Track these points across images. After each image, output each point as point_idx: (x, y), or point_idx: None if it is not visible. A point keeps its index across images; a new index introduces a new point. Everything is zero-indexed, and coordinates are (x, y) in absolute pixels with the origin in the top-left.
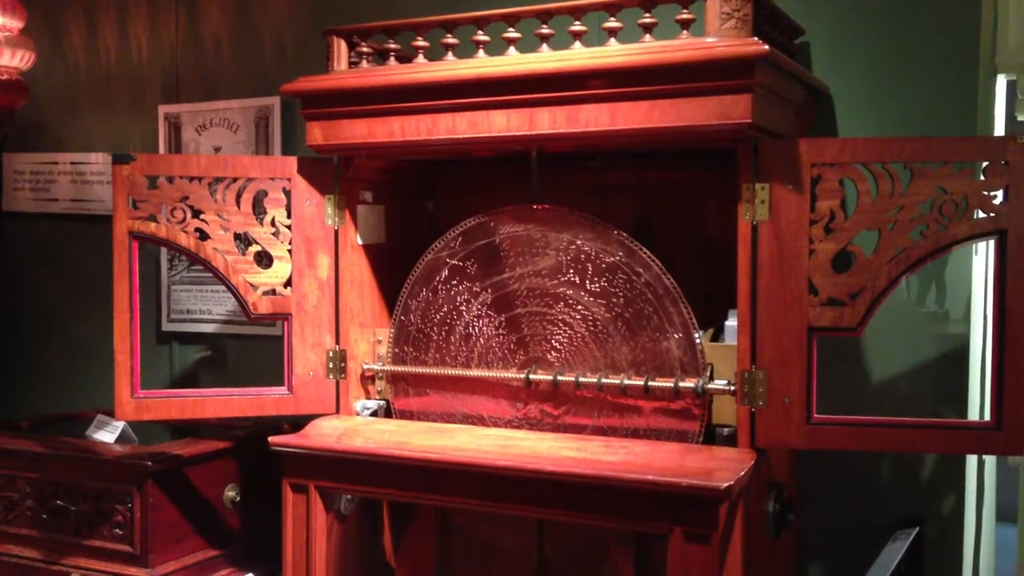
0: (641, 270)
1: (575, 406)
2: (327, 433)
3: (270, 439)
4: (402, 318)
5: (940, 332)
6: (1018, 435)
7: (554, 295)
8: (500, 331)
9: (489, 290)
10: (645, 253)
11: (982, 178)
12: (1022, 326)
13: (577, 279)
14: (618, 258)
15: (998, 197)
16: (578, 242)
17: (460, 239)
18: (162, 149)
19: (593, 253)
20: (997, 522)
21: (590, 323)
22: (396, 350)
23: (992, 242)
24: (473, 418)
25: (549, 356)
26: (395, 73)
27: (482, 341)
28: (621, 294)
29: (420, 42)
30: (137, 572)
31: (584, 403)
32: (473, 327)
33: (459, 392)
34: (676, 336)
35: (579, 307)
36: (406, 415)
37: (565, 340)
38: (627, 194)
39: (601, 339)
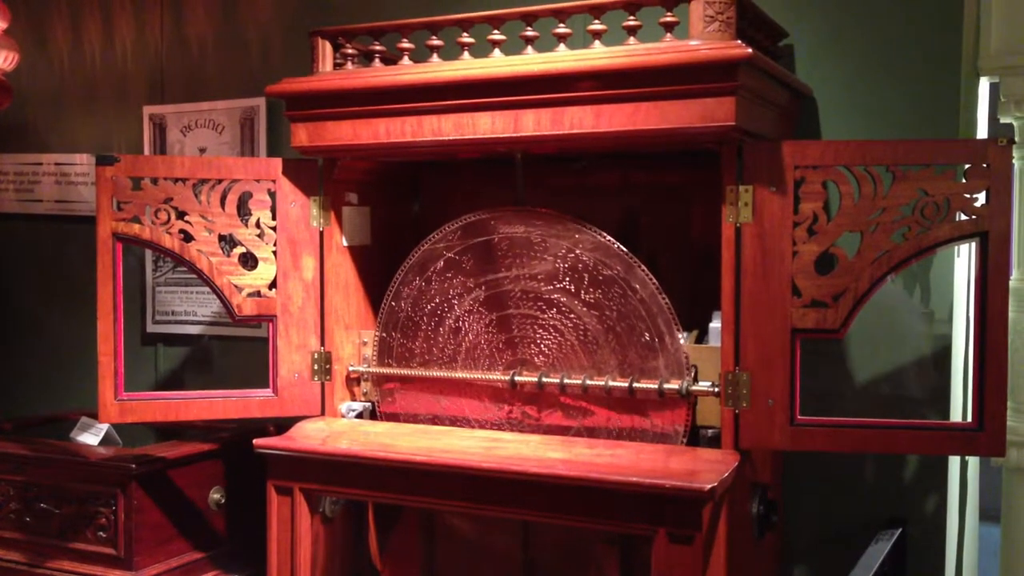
0: (638, 286)
1: (558, 410)
2: (312, 435)
3: (255, 441)
4: (392, 304)
5: (924, 333)
6: (999, 436)
7: (548, 300)
8: (490, 329)
9: (483, 287)
10: (643, 270)
11: (964, 180)
12: (1003, 328)
13: (572, 287)
14: (616, 272)
15: (980, 199)
16: (577, 251)
17: (459, 233)
18: (147, 150)
19: (591, 264)
20: (981, 522)
21: (581, 332)
22: (383, 334)
23: (974, 244)
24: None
25: (536, 360)
26: (380, 75)
27: (471, 337)
28: (615, 308)
29: (405, 44)
30: (121, 575)
31: (567, 409)
32: (463, 321)
33: (444, 388)
34: (665, 356)
35: (571, 315)
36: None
37: (554, 346)
38: (613, 195)
39: (590, 349)
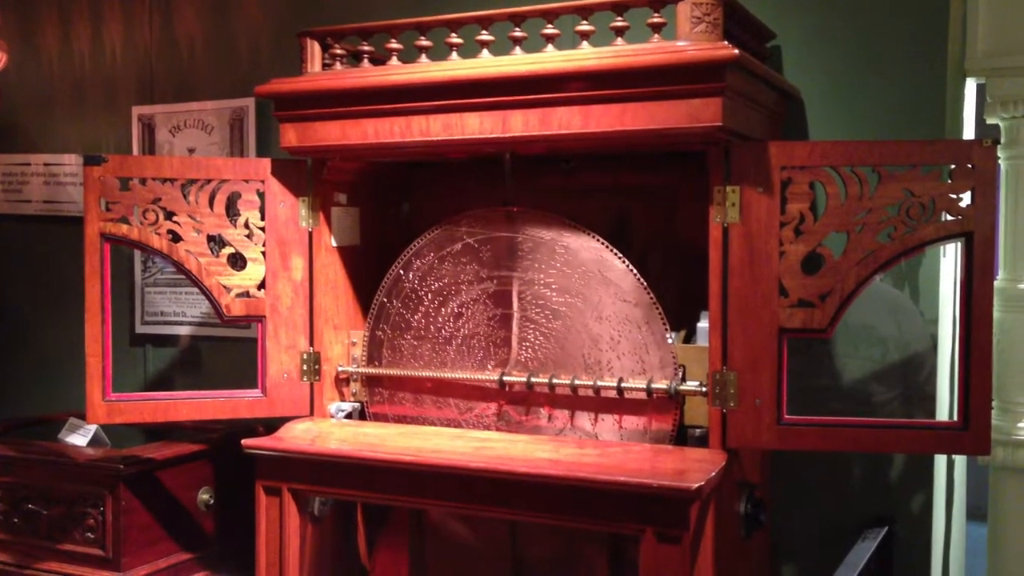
0: (648, 324)
1: (546, 413)
2: (301, 435)
3: (243, 442)
4: (400, 272)
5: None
6: (984, 435)
7: (555, 311)
8: (491, 323)
9: (495, 280)
10: (658, 310)
11: (949, 181)
12: (988, 327)
13: (583, 306)
14: (631, 305)
15: (964, 200)
16: (597, 270)
17: (483, 221)
18: (136, 151)
19: (611, 289)
20: (967, 520)
21: (583, 351)
22: (383, 299)
23: (959, 244)
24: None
25: (530, 364)
26: (369, 75)
27: (471, 325)
28: (621, 338)
29: (394, 44)
30: None
31: (555, 412)
32: (467, 308)
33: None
34: (662, 397)
35: (576, 331)
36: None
37: (551, 356)
38: (602, 195)
39: (589, 366)
